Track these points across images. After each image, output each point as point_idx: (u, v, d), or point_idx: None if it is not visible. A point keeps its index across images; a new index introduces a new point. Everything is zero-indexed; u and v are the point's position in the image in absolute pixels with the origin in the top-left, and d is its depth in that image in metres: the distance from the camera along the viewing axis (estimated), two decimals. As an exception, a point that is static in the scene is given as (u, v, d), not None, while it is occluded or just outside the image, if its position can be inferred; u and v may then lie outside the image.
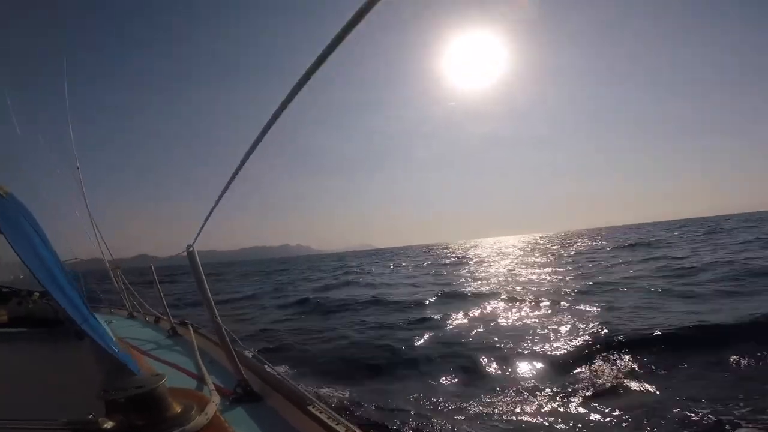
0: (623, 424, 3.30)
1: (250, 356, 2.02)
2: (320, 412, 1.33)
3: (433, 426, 3.52)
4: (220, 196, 1.34)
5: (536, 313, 7.70)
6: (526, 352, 5.28)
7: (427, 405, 4.06)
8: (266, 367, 1.82)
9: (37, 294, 2.32)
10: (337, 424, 1.23)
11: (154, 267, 4.79)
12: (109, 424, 0.71)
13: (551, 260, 20.08)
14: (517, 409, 3.76)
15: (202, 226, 1.49)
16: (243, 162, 1.10)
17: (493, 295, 10.35)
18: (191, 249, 1.54)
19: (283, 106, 0.81)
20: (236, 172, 1.19)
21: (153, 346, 3.14)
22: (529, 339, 5.82)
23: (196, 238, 1.53)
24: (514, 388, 4.23)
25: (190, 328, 3.01)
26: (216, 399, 0.86)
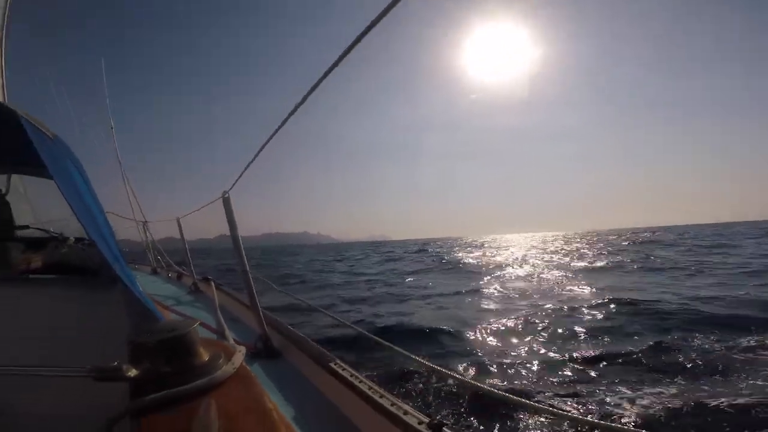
0: None
1: (272, 314, 2.03)
2: (342, 370, 1.32)
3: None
4: (261, 148, 1.33)
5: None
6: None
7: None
8: (287, 324, 1.83)
9: (72, 239, 2.37)
10: (359, 382, 1.21)
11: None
12: (133, 372, 0.69)
13: None
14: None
15: (240, 176, 1.50)
16: (286, 119, 1.10)
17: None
18: (227, 196, 1.55)
19: (325, 75, 0.97)
20: (279, 128, 1.17)
21: (174, 302, 3.23)
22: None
23: (233, 186, 1.53)
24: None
25: (212, 285, 3.07)
26: (242, 349, 0.84)
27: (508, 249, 36.99)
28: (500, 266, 17.88)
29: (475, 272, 15.90)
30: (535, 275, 13.77)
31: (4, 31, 4.45)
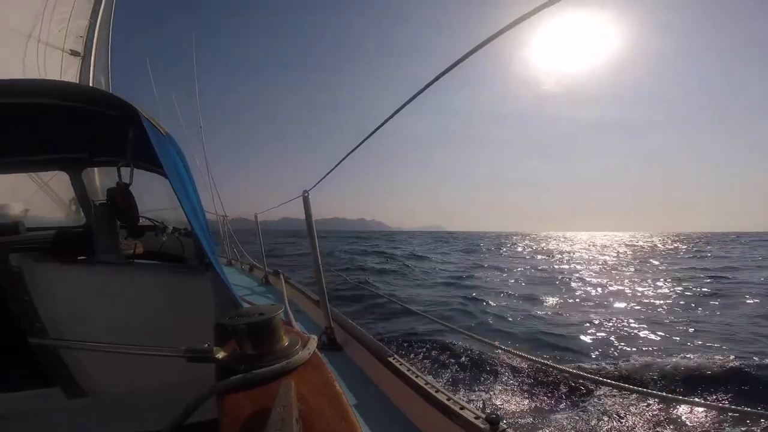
0: None
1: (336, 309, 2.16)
2: (400, 364, 1.38)
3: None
4: (347, 156, 1.44)
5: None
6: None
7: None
8: (349, 319, 1.95)
9: (171, 229, 2.46)
10: (416, 377, 1.27)
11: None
12: (221, 354, 0.75)
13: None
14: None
15: (322, 178, 1.63)
16: (374, 132, 1.19)
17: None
18: (306, 195, 1.70)
19: (421, 91, 0.94)
20: (365, 139, 1.26)
21: (248, 292, 3.54)
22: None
23: (314, 186, 1.68)
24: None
25: (282, 278, 3.31)
26: (314, 337, 0.89)
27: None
28: None
29: None
30: None
31: (112, 20, 5.07)
